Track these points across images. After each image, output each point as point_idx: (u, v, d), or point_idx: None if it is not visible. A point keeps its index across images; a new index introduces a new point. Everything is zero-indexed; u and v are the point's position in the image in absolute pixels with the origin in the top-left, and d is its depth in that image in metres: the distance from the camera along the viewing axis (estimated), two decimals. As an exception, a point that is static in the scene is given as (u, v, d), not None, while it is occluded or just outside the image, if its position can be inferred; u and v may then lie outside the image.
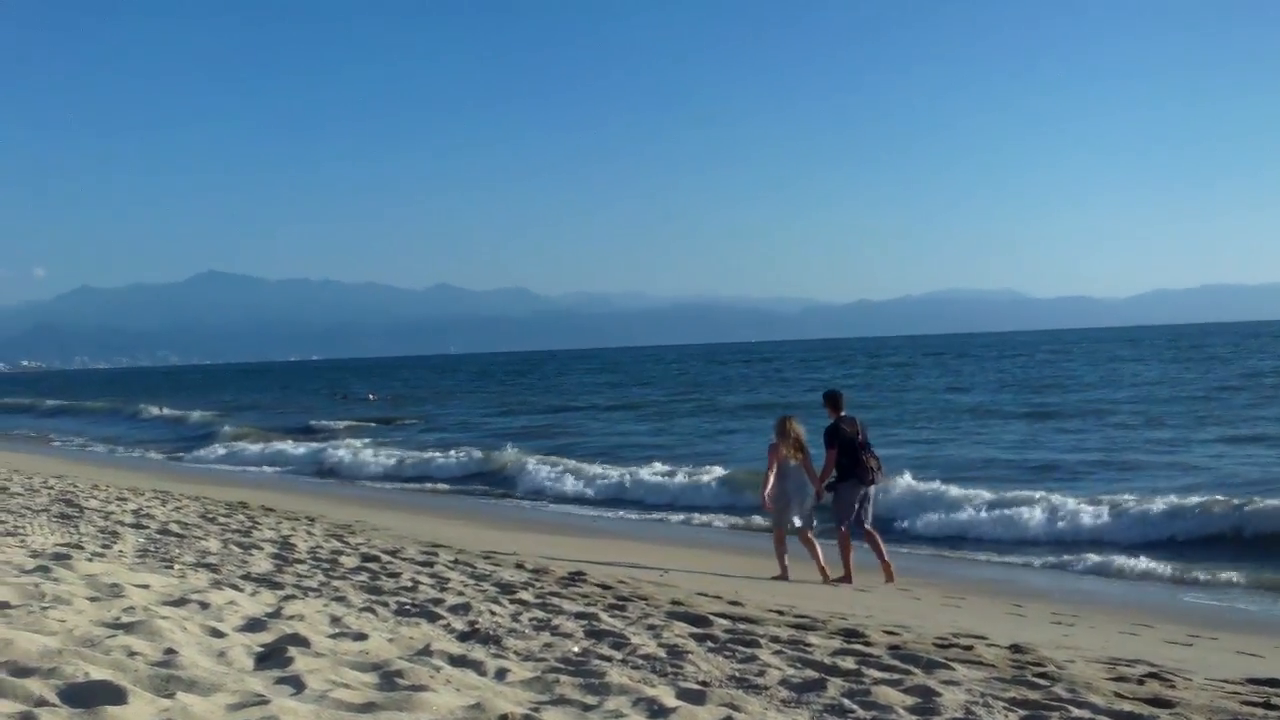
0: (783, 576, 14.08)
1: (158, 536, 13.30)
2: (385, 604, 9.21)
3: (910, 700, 6.42)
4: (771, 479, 14.40)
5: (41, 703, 4.92)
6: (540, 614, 9.10)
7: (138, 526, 14.23)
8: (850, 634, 9.07)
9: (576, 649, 7.60)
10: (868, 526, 14.43)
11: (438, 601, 9.40)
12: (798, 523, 14.40)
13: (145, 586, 8.53)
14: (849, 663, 7.58)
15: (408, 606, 9.12)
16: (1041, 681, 7.27)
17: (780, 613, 10.26)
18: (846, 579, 14.03)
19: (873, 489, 14.50)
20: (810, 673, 7.11)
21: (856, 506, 14.30)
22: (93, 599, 7.73)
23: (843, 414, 14.58)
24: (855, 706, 6.22)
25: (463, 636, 7.90)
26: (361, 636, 7.15)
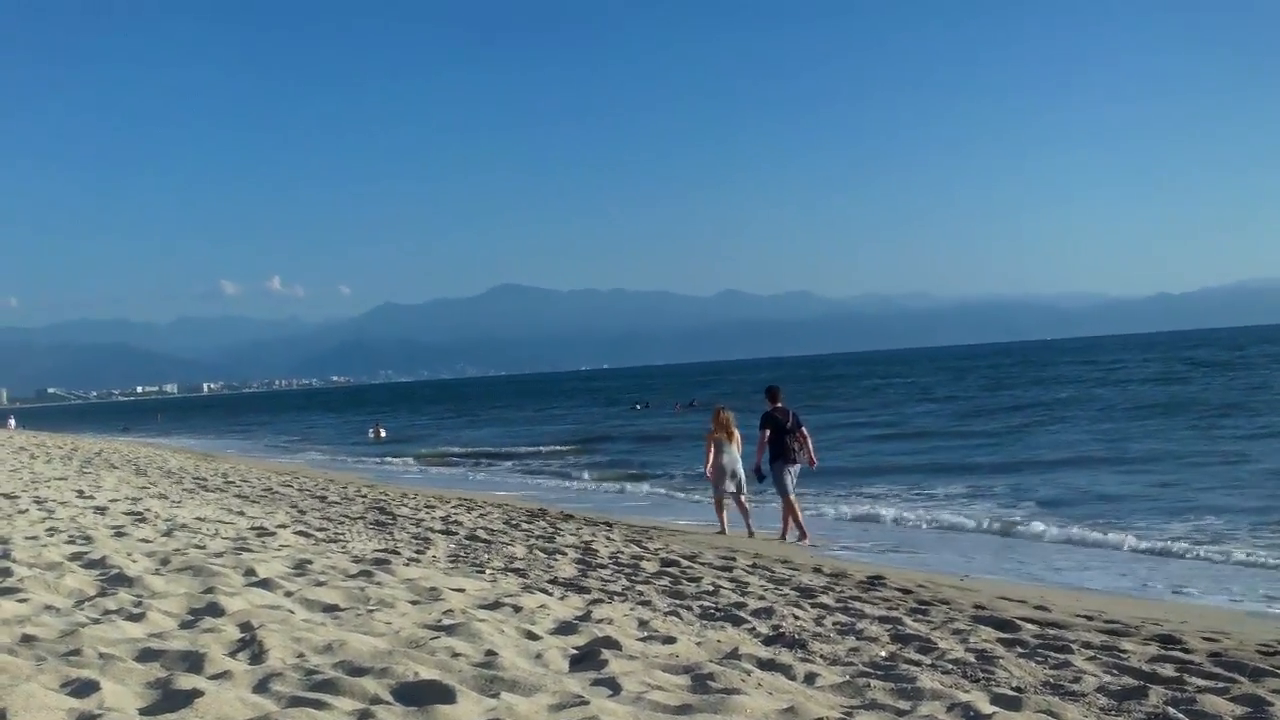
0: (721, 531, 17.48)
1: (466, 542, 13.83)
2: (689, 608, 9.33)
3: (1239, 710, 6.14)
4: (711, 456, 17.82)
5: (377, 700, 5.21)
6: (843, 618, 9.08)
7: (447, 533, 14.82)
8: (1166, 640, 8.74)
9: (883, 653, 7.55)
10: (790, 498, 17.16)
11: (740, 605, 9.48)
12: (731, 488, 17.67)
13: (460, 590, 8.89)
14: (1168, 670, 7.30)
15: (711, 610, 9.21)
16: (1384, 692, 6.83)
17: (1089, 618, 9.95)
18: (802, 536, 16.84)
19: (796, 467, 17.26)
20: (1128, 680, 6.88)
21: (788, 480, 17.07)
22: (414, 602, 8.12)
23: (778, 405, 17.56)
24: (1181, 715, 5.98)
25: (768, 641, 7.94)
26: (670, 640, 7.27)
